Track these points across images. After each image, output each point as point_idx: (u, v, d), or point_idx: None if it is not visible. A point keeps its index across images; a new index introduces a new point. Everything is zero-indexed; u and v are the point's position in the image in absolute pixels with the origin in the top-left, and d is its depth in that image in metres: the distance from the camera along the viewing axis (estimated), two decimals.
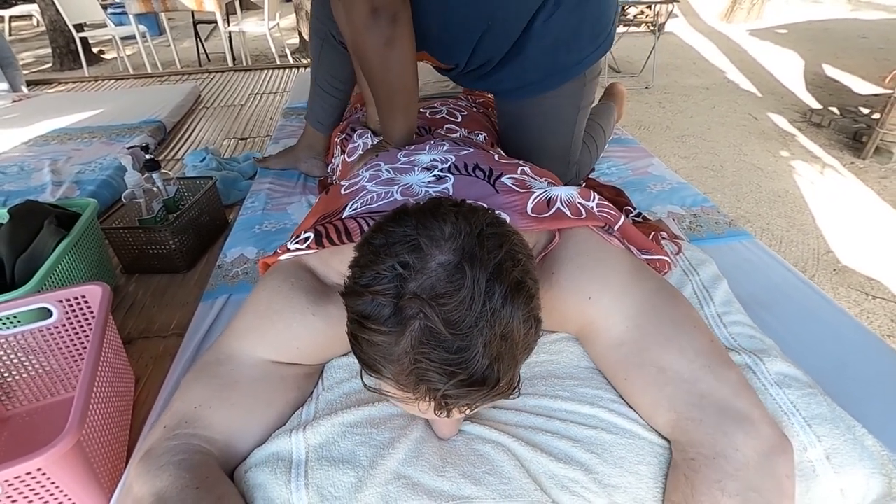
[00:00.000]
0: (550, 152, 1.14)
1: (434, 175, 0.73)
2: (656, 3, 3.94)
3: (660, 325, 0.60)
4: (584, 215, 0.68)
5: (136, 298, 1.08)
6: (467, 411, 0.48)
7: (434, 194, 0.68)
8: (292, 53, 4.45)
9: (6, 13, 6.15)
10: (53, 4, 3.94)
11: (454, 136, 1.10)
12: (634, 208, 1.13)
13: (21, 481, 0.55)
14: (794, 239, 2.07)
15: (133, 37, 4.03)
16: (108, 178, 1.47)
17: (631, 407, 0.62)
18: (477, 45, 0.96)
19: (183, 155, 1.78)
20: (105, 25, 4.30)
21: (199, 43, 4.60)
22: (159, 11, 3.84)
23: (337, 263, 0.65)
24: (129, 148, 1.13)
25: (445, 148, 0.82)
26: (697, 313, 0.64)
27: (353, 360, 0.70)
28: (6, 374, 0.78)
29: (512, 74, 1.03)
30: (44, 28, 4.80)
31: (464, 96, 1.40)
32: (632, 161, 1.43)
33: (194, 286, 1.11)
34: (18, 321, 0.76)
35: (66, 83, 2.86)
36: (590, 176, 1.34)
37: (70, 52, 4.56)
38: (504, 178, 0.72)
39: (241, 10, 4.63)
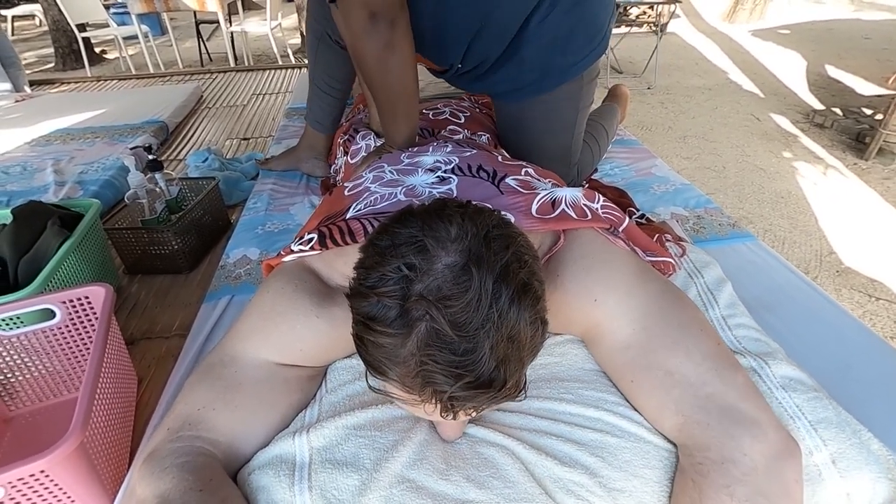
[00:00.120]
0: (550, 153, 1.14)
1: (437, 176, 0.73)
2: (659, 3, 3.93)
3: (666, 327, 0.59)
4: (589, 217, 0.68)
5: (138, 299, 1.08)
6: (473, 413, 0.48)
7: (438, 195, 0.68)
8: (294, 53, 4.45)
9: (9, 13, 6.16)
10: (56, 4, 3.94)
11: (457, 137, 1.09)
12: (638, 210, 1.12)
13: (24, 483, 0.55)
14: (796, 240, 2.07)
15: (135, 37, 4.03)
16: (110, 179, 1.47)
17: (636, 410, 0.62)
18: (470, 46, 0.96)
19: (185, 155, 1.78)
20: (107, 25, 4.31)
21: (202, 43, 4.61)
22: (161, 11, 3.84)
23: (341, 265, 0.65)
24: (131, 148, 1.14)
25: (448, 149, 0.82)
26: (703, 316, 0.64)
27: (356, 362, 0.70)
28: (9, 375, 0.78)
29: (508, 76, 1.03)
30: (46, 28, 4.81)
31: (466, 97, 1.39)
32: (635, 162, 1.42)
33: (197, 287, 1.10)
34: (22, 322, 0.76)
35: (69, 83, 2.86)
36: (593, 177, 1.34)
37: (72, 51, 4.57)
38: (508, 180, 0.72)
39: (243, 9, 4.63)
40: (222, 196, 1.31)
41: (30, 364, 0.78)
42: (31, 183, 1.47)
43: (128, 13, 3.97)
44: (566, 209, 0.67)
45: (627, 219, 0.73)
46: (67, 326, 0.78)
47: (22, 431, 0.78)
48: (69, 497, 0.59)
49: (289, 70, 2.87)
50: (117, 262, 1.16)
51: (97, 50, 5.03)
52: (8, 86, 2.54)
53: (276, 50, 4.12)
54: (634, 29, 4.87)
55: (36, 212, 0.96)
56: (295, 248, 0.68)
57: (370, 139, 1.13)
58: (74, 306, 0.78)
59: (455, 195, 0.68)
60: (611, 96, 1.57)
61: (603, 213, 0.71)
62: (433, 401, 0.44)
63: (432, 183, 0.71)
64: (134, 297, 1.09)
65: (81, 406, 0.58)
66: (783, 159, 2.71)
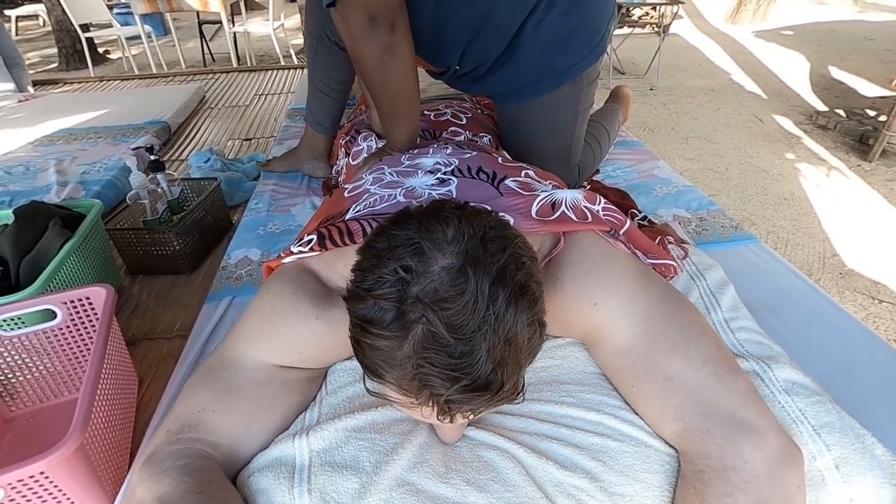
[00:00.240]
0: (550, 155, 1.14)
1: (437, 178, 0.73)
2: (661, 4, 3.93)
3: (667, 331, 0.59)
4: (590, 219, 0.68)
5: (140, 300, 1.08)
6: (471, 416, 0.48)
7: (437, 197, 0.68)
8: (297, 54, 4.45)
9: (13, 13, 6.19)
10: (59, 4, 3.96)
11: (458, 138, 1.09)
12: (640, 211, 1.12)
13: (24, 484, 0.55)
14: (799, 242, 2.06)
15: (138, 37, 4.04)
16: (112, 179, 1.48)
17: (637, 414, 0.62)
18: (468, 47, 0.96)
19: (187, 155, 1.78)
20: (111, 25, 4.32)
21: (204, 43, 4.62)
22: (164, 12, 3.85)
23: (341, 267, 0.65)
24: (133, 149, 1.14)
25: (448, 151, 0.81)
26: (705, 319, 0.64)
27: (356, 365, 0.70)
28: (10, 376, 0.78)
29: (506, 78, 1.02)
30: (50, 28, 4.83)
31: (468, 98, 1.39)
32: (637, 164, 1.42)
33: (198, 287, 1.10)
34: (23, 322, 0.76)
35: (72, 83, 2.87)
36: (595, 178, 1.34)
37: (76, 52, 4.58)
38: (508, 181, 0.72)
39: (246, 10, 4.64)
40: (224, 197, 1.31)
41: (31, 364, 0.78)
42: (34, 183, 1.47)
43: (131, 13, 3.98)
44: (566, 211, 0.67)
45: (629, 221, 0.73)
46: (68, 327, 0.78)
47: (23, 432, 0.78)
48: (69, 498, 0.59)
49: (291, 70, 2.87)
50: (119, 263, 1.16)
51: (100, 50, 5.04)
52: (11, 86, 2.55)
53: (278, 50, 4.13)
54: (637, 30, 4.86)
55: (37, 212, 0.96)
56: (295, 249, 0.68)
57: (371, 140, 1.12)
58: (75, 307, 0.78)
59: (455, 197, 0.68)
60: (612, 97, 1.57)
61: (604, 215, 0.70)
62: (430, 404, 0.44)
63: (432, 185, 0.71)
64: (135, 297, 1.09)
65: (81, 408, 0.58)
66: (786, 161, 2.71)
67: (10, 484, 0.54)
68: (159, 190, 1.14)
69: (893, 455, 0.58)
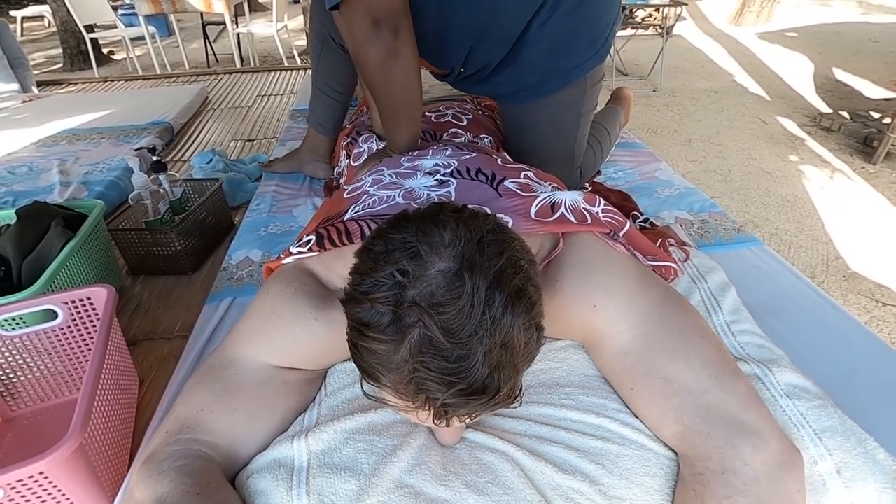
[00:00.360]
0: (553, 156, 1.14)
1: (436, 179, 0.73)
2: (665, 5, 3.92)
3: (667, 333, 0.59)
4: (589, 221, 0.68)
5: (141, 300, 1.09)
6: (468, 420, 0.48)
7: (436, 198, 0.68)
8: (300, 55, 4.47)
9: (18, 14, 6.23)
10: (64, 5, 3.98)
11: (459, 140, 1.09)
12: (641, 213, 1.12)
13: (23, 485, 0.55)
14: (802, 244, 2.05)
15: (142, 38, 4.06)
16: (115, 179, 1.48)
17: (637, 417, 0.61)
18: (472, 50, 0.96)
19: (190, 156, 1.79)
20: (115, 27, 4.34)
21: (208, 44, 4.63)
22: (169, 13, 3.87)
23: (340, 268, 0.65)
24: (136, 150, 1.14)
25: (448, 153, 0.81)
26: (705, 322, 0.64)
27: (355, 366, 0.70)
28: (11, 375, 0.78)
29: (510, 78, 1.02)
30: (55, 29, 4.85)
31: (469, 99, 1.39)
32: (639, 165, 1.42)
33: (200, 288, 1.11)
34: (24, 322, 0.76)
35: (76, 84, 2.88)
36: (596, 180, 1.33)
37: (80, 52, 4.61)
38: (507, 182, 0.72)
39: (250, 11, 4.66)
40: (226, 197, 1.31)
41: (32, 364, 0.78)
42: (37, 183, 1.48)
43: (135, 14, 4.00)
44: (565, 212, 0.67)
45: (628, 223, 0.72)
46: (69, 327, 0.79)
47: (23, 432, 0.78)
48: (68, 499, 0.59)
49: (294, 71, 2.88)
50: (121, 263, 1.16)
51: (105, 51, 5.07)
52: (16, 86, 2.56)
53: (281, 51, 4.14)
54: (640, 31, 4.85)
55: (40, 212, 0.97)
56: (294, 250, 0.68)
57: (373, 142, 1.12)
58: (76, 307, 0.78)
59: (454, 198, 0.68)
60: (614, 99, 1.57)
61: (603, 216, 0.70)
62: (426, 408, 0.44)
63: (431, 186, 0.71)
64: (137, 297, 1.09)
65: (81, 408, 0.58)
66: (789, 163, 2.70)
67: (9, 484, 0.54)
68: (161, 190, 1.14)
69: None
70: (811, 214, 2.24)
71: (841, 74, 4.00)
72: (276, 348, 0.63)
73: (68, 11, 3.98)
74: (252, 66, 4.29)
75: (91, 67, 4.29)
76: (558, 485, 0.55)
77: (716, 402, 0.54)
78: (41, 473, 0.55)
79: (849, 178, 2.52)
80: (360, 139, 1.15)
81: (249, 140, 1.95)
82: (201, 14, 4.29)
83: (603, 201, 0.72)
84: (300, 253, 0.67)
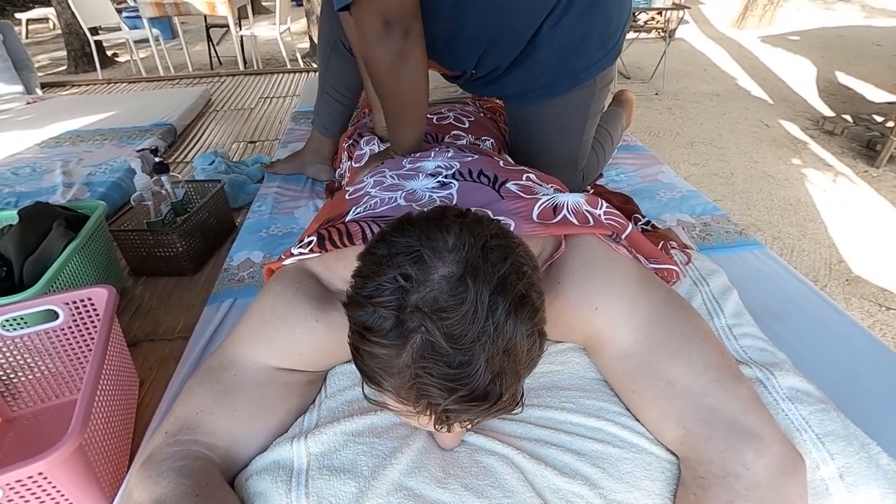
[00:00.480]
0: (558, 158, 1.13)
1: (438, 181, 0.72)
2: (667, 9, 3.93)
3: (668, 336, 0.58)
4: (591, 223, 0.67)
5: (142, 301, 1.09)
6: (469, 426, 0.47)
7: (438, 200, 0.68)
8: (302, 58, 4.49)
9: (23, 16, 6.27)
10: (69, 8, 4.00)
11: (460, 142, 1.09)
12: (643, 216, 1.11)
13: (22, 485, 0.55)
14: (805, 248, 2.04)
15: (146, 40, 4.08)
16: (117, 181, 1.49)
17: (638, 421, 0.61)
18: (484, 53, 0.96)
19: (192, 157, 1.79)
20: (119, 29, 4.37)
21: (212, 47, 4.65)
22: (172, 15, 3.88)
23: (341, 269, 0.65)
24: (138, 151, 1.14)
25: (450, 155, 0.81)
26: (707, 325, 0.63)
27: (356, 368, 0.70)
28: (12, 375, 0.78)
29: (520, 79, 1.02)
30: (59, 31, 4.88)
31: (471, 101, 1.39)
32: (641, 168, 1.42)
33: (201, 289, 1.11)
34: (25, 322, 0.76)
35: (80, 85, 2.89)
36: (598, 183, 1.33)
37: (84, 54, 4.63)
38: (509, 185, 0.71)
39: (253, 14, 4.68)
40: (227, 199, 1.32)
41: (32, 365, 0.78)
42: (40, 184, 1.48)
43: (139, 17, 4.03)
44: (568, 215, 0.67)
45: (631, 225, 0.72)
46: (70, 328, 0.79)
47: (24, 432, 0.78)
48: (67, 499, 0.59)
49: (296, 74, 2.89)
50: (122, 264, 1.16)
51: (109, 53, 5.09)
52: (20, 88, 2.57)
53: (284, 54, 4.15)
54: (643, 34, 4.86)
55: (42, 213, 0.97)
56: (295, 251, 0.68)
57: (374, 144, 1.13)
58: (77, 308, 0.78)
59: (455, 200, 0.68)
60: (616, 101, 1.57)
61: (605, 219, 0.70)
62: (427, 413, 0.44)
63: (433, 188, 0.71)
64: (138, 298, 1.10)
65: (80, 409, 0.58)
66: (792, 166, 2.69)
67: (8, 484, 0.54)
68: (163, 192, 1.15)
69: None
70: (814, 218, 2.24)
71: (844, 78, 4.00)
72: (277, 349, 0.63)
73: (73, 14, 4.00)
74: (255, 68, 4.31)
75: (95, 69, 4.31)
76: (558, 488, 0.54)
77: (718, 405, 0.54)
78: (40, 474, 0.55)
79: (852, 182, 2.51)
80: (362, 141, 1.15)
81: (252, 142, 1.95)
82: (205, 17, 4.31)
83: (605, 203, 0.72)
84: (301, 254, 0.67)
